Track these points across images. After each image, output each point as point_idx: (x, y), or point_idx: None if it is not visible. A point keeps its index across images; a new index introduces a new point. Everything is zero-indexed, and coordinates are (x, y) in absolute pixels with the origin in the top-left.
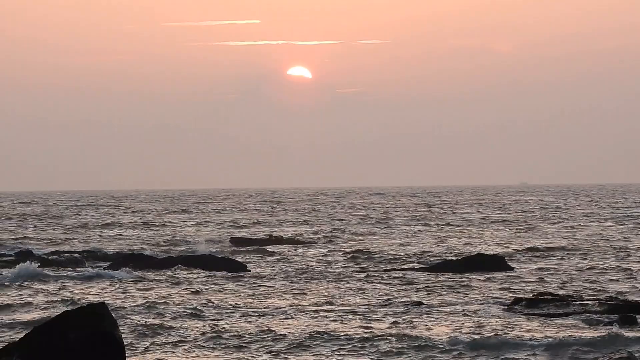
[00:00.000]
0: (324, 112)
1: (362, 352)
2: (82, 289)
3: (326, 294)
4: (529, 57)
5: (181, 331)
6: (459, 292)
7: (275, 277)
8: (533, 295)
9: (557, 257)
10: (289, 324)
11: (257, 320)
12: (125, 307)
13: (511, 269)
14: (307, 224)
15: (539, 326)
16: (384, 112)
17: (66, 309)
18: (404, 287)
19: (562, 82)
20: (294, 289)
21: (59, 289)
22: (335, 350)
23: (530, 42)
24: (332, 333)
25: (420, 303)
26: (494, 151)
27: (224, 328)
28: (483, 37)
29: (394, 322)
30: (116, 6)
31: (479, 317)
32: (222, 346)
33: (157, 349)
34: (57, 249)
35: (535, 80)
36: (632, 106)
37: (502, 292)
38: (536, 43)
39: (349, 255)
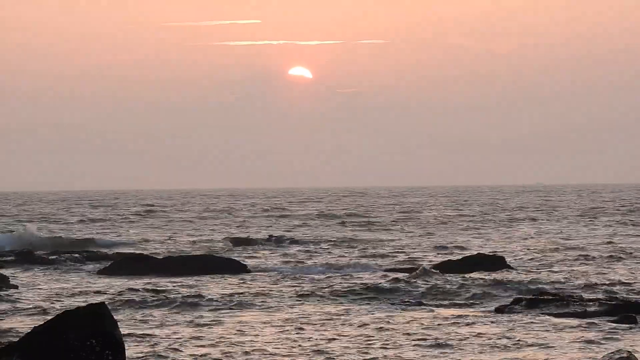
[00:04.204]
0: (324, 112)
1: (361, 356)
2: (82, 289)
3: (324, 294)
4: (529, 59)
5: (180, 332)
6: (458, 292)
7: (275, 277)
8: (533, 295)
9: (558, 257)
10: (289, 326)
11: (256, 321)
12: (126, 307)
13: (511, 268)
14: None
15: (538, 326)
16: (384, 112)
17: (66, 309)
18: (403, 286)
19: (563, 83)
20: (294, 288)
21: (59, 288)
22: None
23: (530, 44)
24: (329, 335)
25: (420, 303)
26: (495, 152)
27: (223, 329)
28: (483, 38)
29: (392, 323)
30: (116, 6)
31: (479, 317)
32: (220, 346)
33: (156, 350)
34: (59, 250)
35: (535, 82)
36: (634, 106)
37: (501, 292)
38: (536, 45)
39: (350, 256)
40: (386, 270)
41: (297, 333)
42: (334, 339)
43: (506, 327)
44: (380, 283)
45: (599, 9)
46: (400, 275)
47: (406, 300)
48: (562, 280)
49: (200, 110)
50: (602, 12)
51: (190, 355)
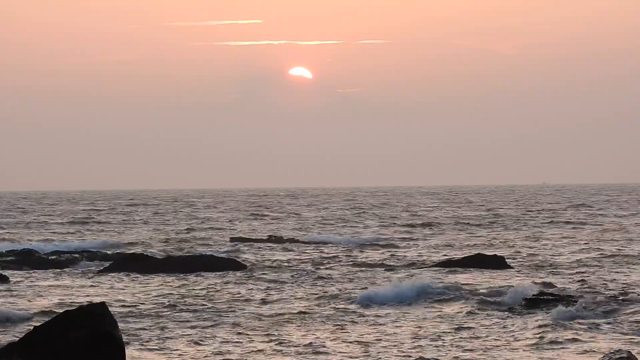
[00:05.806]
0: (324, 112)
1: (359, 356)
2: (82, 289)
3: (322, 294)
4: (532, 59)
5: (180, 332)
6: (457, 292)
7: (275, 277)
8: (533, 295)
9: (558, 257)
10: (287, 324)
11: (256, 319)
12: (125, 307)
13: (511, 268)
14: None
15: (537, 326)
16: (384, 112)
17: (66, 309)
18: (396, 286)
19: (565, 83)
20: (294, 288)
21: (59, 288)
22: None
23: (534, 44)
24: (328, 333)
25: (418, 302)
26: (495, 152)
27: (223, 329)
28: (485, 39)
29: (391, 323)
30: (116, 6)
31: (478, 317)
32: (220, 346)
33: (156, 350)
34: (58, 249)
35: (538, 82)
36: (636, 106)
37: (501, 291)
38: (539, 45)
39: (348, 256)
40: (379, 268)
41: (295, 333)
42: (330, 340)
43: (505, 327)
44: (370, 283)
45: (599, 9)
46: (399, 273)
47: (405, 300)
48: (563, 280)
49: (200, 110)
50: (602, 12)
51: (190, 354)
